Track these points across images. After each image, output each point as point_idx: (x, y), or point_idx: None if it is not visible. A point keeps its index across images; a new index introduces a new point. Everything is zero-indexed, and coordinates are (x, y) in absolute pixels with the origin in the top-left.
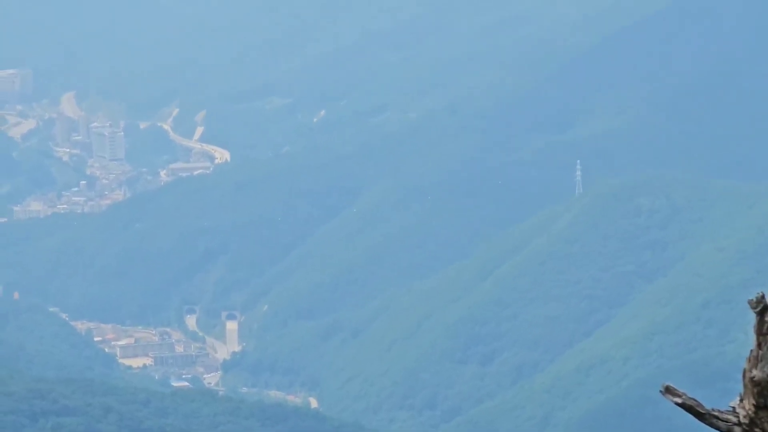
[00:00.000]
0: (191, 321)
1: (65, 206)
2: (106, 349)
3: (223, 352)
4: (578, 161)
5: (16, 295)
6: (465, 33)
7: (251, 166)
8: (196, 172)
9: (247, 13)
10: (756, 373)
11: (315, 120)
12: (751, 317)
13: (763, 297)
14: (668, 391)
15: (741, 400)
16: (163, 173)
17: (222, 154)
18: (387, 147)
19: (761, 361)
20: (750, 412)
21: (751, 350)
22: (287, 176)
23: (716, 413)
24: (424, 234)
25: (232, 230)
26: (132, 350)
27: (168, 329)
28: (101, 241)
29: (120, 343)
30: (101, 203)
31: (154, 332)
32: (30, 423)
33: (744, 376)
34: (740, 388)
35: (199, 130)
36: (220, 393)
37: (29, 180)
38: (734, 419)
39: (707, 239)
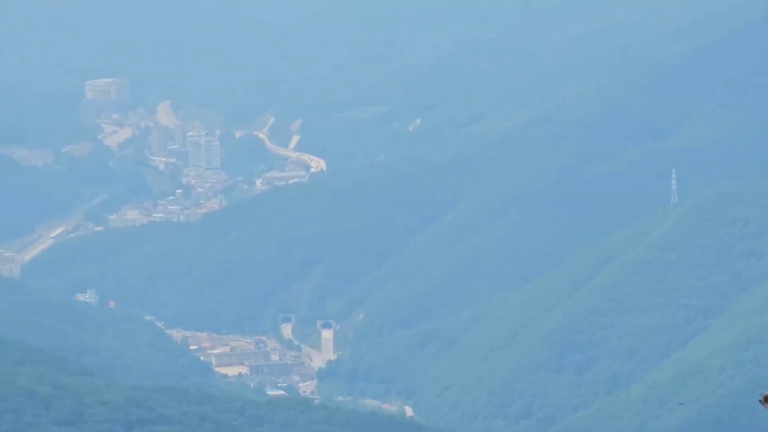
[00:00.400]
0: (287, 330)
1: (161, 215)
2: (202, 358)
3: (318, 360)
4: (674, 170)
5: (112, 304)
6: (561, 42)
7: (347, 175)
8: (291, 181)
9: (343, 22)
10: None
11: (410, 129)
12: None
13: None
14: (767, 400)
15: None
16: (258, 182)
17: (318, 163)
18: (482, 156)
19: None
20: None
21: None
22: (383, 185)
23: None
24: (519, 243)
25: (328, 239)
26: (227, 359)
27: (263, 338)
28: (197, 250)
29: (215, 351)
30: (197, 212)
31: (249, 341)
32: (126, 431)
33: None
34: None
35: (295, 139)
36: (316, 402)
37: (125, 189)
38: None
39: None
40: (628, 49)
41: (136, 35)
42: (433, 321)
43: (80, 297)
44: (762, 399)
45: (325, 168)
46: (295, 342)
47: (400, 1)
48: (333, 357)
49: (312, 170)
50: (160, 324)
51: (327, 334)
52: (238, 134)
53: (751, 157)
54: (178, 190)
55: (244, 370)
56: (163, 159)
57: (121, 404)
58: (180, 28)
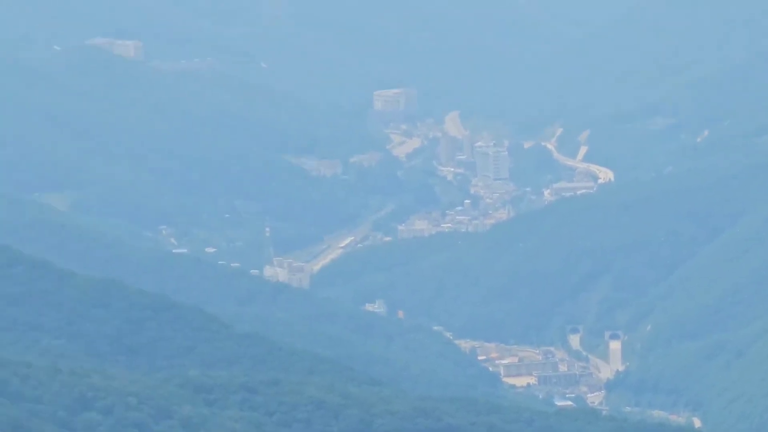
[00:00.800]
0: (575, 340)
1: (449, 225)
2: (490, 368)
3: (606, 371)
4: None
5: (400, 314)
6: None
7: (634, 187)
8: (579, 192)
9: (632, 32)
10: None
11: (698, 140)
12: None
13: None
14: None
15: None
16: (546, 193)
17: (605, 174)
18: None
19: None
20: None
21: None
22: (670, 197)
23: None
24: None
25: (616, 250)
26: (515, 369)
27: (551, 348)
28: (485, 261)
29: (504, 362)
30: (485, 222)
31: (537, 351)
32: None
33: None
34: None
35: (583, 150)
36: (604, 412)
37: (414, 199)
38: None
39: None
40: None
41: (425, 45)
42: (721, 332)
43: (369, 307)
44: None
45: (612, 179)
46: (583, 353)
47: (690, 11)
48: (621, 368)
49: (600, 181)
50: (448, 334)
51: (615, 345)
52: (526, 145)
53: None
54: (467, 201)
55: (532, 380)
56: (452, 169)
57: (409, 414)
58: (469, 39)
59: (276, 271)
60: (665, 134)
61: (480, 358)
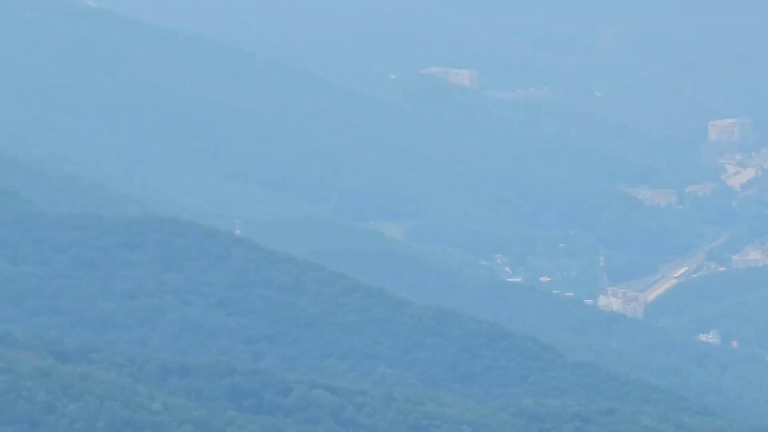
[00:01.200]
0: None
1: None
2: None
3: None
4: None
5: (734, 344)
6: None
7: None
8: None
9: None
10: None
11: None
12: None
13: None
14: None
15: None
16: None
17: None
18: None
19: None
20: None
21: None
22: None
23: None
24: None
25: None
26: None
27: None
28: None
29: None
30: None
31: None
32: None
33: None
34: None
35: None
36: None
37: (748, 229)
38: None
39: None
40: None
41: (760, 75)
42: None
43: (703, 337)
44: None
45: None
46: None
47: None
48: None
49: None
50: None
51: None
52: None
53: None
54: None
55: None
56: None
57: None
58: None
59: (610, 301)
60: None
61: None
